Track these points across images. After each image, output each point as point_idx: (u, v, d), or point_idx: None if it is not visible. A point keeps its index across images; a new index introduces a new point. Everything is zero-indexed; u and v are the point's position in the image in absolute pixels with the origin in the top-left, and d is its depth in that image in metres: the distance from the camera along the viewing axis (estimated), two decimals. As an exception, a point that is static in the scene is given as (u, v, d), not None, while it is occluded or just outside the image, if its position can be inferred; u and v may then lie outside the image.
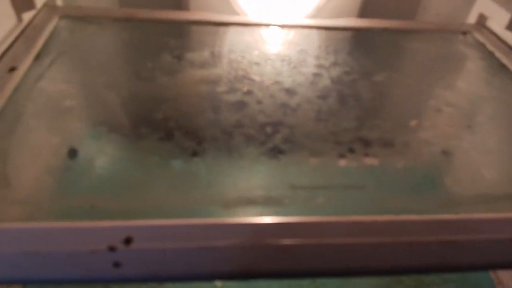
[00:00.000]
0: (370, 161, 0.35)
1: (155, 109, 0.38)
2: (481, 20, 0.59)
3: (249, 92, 0.41)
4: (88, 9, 0.54)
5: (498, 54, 0.52)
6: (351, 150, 0.35)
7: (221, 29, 0.52)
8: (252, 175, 0.32)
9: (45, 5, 0.51)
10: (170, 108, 0.38)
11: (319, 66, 0.47)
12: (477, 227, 0.28)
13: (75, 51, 0.46)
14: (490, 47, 0.54)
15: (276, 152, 0.35)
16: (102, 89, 0.40)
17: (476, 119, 0.41)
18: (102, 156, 0.33)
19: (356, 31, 0.56)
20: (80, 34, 0.49)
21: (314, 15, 0.60)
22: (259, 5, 0.59)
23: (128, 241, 0.26)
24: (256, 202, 0.30)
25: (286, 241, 0.27)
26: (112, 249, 0.25)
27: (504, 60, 0.51)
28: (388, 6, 0.63)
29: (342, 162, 0.34)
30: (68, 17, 0.52)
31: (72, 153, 0.33)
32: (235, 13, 0.59)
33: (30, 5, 0.47)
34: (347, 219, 0.28)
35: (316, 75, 0.45)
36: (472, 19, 0.61)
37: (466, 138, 0.39)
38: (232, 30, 0.53)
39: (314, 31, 0.55)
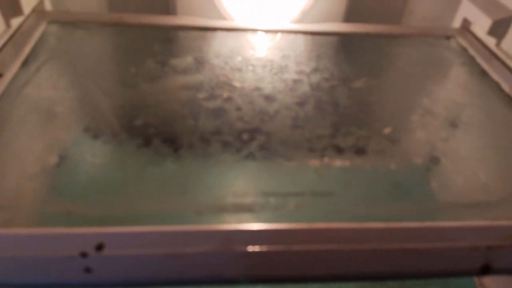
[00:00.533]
0: (342, 168, 0.36)
1: (136, 115, 0.39)
2: (465, 25, 0.60)
3: (229, 99, 0.42)
4: (76, 14, 0.55)
5: (479, 59, 0.53)
6: (324, 157, 0.36)
7: (206, 34, 0.53)
8: (225, 182, 0.33)
9: (33, 10, 0.52)
10: (150, 115, 0.39)
11: (300, 72, 0.48)
12: (440, 235, 0.29)
13: (62, 56, 0.47)
14: (472, 52, 0.55)
15: (251, 159, 0.36)
16: (86, 96, 0.41)
17: (449, 126, 0.42)
18: (83, 162, 0.34)
19: (340, 36, 0.57)
20: (68, 39, 0.50)
21: (299, 20, 0.61)
22: (246, 9, 0.60)
23: (99, 247, 0.27)
24: (228, 209, 0.31)
25: (254, 248, 0.28)
26: (84, 255, 0.26)
27: (485, 65, 0.52)
28: (374, 10, 0.63)
29: (315, 169, 0.35)
30: (56, 22, 0.53)
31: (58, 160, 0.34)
32: (222, 17, 0.60)
33: (18, 11, 0.48)
34: (315, 226, 0.29)
35: (296, 81, 0.46)
36: (457, 23, 0.61)
37: (439, 145, 0.39)
38: (217, 35, 0.54)
39: (298, 36, 0.55)
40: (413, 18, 0.64)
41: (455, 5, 0.61)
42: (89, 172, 0.34)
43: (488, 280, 0.58)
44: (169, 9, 0.60)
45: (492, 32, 0.54)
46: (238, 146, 0.37)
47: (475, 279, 0.58)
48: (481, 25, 0.56)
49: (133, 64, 0.47)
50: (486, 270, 0.28)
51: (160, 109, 0.40)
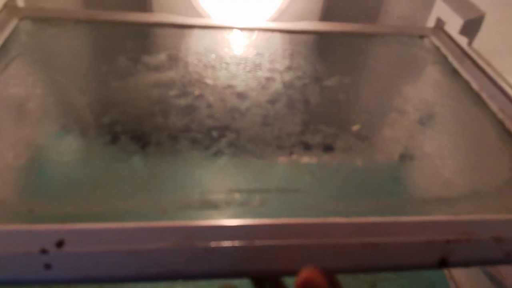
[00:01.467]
0: (309, 164, 0.36)
1: (104, 113, 0.39)
2: (439, 24, 0.61)
3: (200, 96, 0.42)
4: (50, 11, 0.54)
5: (451, 58, 0.54)
6: (293, 154, 0.37)
7: (181, 31, 0.53)
8: (193, 179, 0.34)
9: (5, 6, 0.51)
10: (119, 112, 0.39)
11: (274, 70, 0.48)
12: (400, 230, 0.30)
13: (33, 53, 0.47)
14: (444, 51, 0.56)
15: (219, 156, 0.36)
16: (54, 93, 0.41)
17: (418, 124, 0.42)
18: (48, 160, 0.34)
19: (316, 34, 0.57)
20: (40, 36, 0.50)
21: (276, 18, 0.61)
22: (223, 7, 0.60)
23: (60, 244, 0.27)
24: (192, 206, 0.31)
25: (217, 244, 0.28)
26: (44, 251, 0.26)
27: (456, 64, 0.53)
28: (350, 9, 0.64)
29: (282, 166, 0.36)
30: (29, 18, 0.52)
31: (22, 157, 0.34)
32: (198, 15, 0.60)
33: (-12, 7, 0.48)
34: (277, 222, 0.29)
35: (269, 79, 0.46)
36: (431, 23, 0.62)
37: (407, 142, 0.40)
38: (192, 32, 0.54)
39: (274, 35, 0.56)
40: (389, 18, 0.65)
41: (429, 5, 0.62)
42: (54, 169, 0.34)
43: (456, 270, 0.59)
44: (145, 6, 0.60)
45: (463, 31, 0.55)
46: (207, 144, 0.37)
47: (445, 270, 0.59)
48: (453, 24, 0.57)
49: (105, 61, 0.47)
50: (443, 263, 0.28)
51: (130, 107, 0.40)
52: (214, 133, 0.38)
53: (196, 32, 0.54)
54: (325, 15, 0.63)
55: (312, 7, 0.61)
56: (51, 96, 0.41)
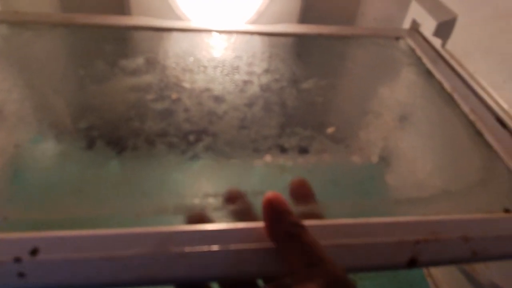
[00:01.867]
0: (284, 167, 0.36)
1: (80, 117, 0.39)
2: (414, 26, 0.62)
3: (177, 100, 0.43)
4: (26, 15, 0.54)
5: (425, 60, 0.55)
6: (268, 157, 0.37)
7: (159, 34, 0.53)
8: (168, 184, 0.34)
9: (-21, 10, 0.51)
10: (95, 117, 0.39)
11: (251, 73, 0.48)
12: (370, 231, 0.30)
13: (7, 58, 0.46)
14: (419, 53, 0.57)
15: (195, 160, 0.36)
16: (29, 98, 0.41)
17: (391, 126, 0.43)
18: (23, 166, 0.34)
19: (294, 36, 0.58)
20: (16, 40, 0.50)
21: (255, 20, 0.61)
22: (202, 9, 0.61)
23: (34, 252, 0.27)
24: (167, 210, 0.31)
25: (192, 249, 0.28)
26: (17, 260, 0.26)
27: (430, 66, 0.54)
28: (328, 10, 0.65)
29: (258, 169, 0.36)
30: (4, 22, 0.52)
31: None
32: (177, 18, 0.60)
33: (-38, 11, 0.47)
34: (250, 225, 0.30)
35: (246, 82, 0.47)
36: (407, 24, 0.64)
37: (380, 143, 0.41)
38: (170, 35, 0.54)
39: (253, 37, 0.56)
40: (366, 19, 0.66)
41: (405, 7, 0.64)
42: (29, 175, 0.33)
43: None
44: (123, 9, 0.60)
45: (437, 33, 0.57)
46: (183, 148, 0.37)
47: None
48: (427, 26, 0.58)
49: (82, 65, 0.47)
50: (413, 263, 0.29)
51: (107, 111, 0.40)
52: (191, 137, 0.38)
53: (174, 35, 0.55)
54: (303, 17, 0.63)
55: (290, 9, 0.62)
56: (26, 101, 0.41)
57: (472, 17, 0.54)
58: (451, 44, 0.56)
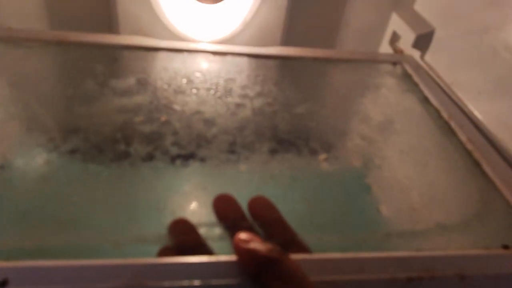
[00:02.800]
0: (274, 195, 0.35)
1: (65, 140, 0.38)
2: (395, 38, 0.65)
3: (166, 123, 0.42)
4: (17, 32, 0.53)
5: (422, 86, 0.54)
6: (257, 184, 0.36)
7: (152, 54, 0.53)
8: (150, 212, 0.32)
9: (-29, 26, 0.50)
10: (80, 139, 0.38)
11: (244, 96, 0.47)
12: (361, 266, 0.29)
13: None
14: (416, 79, 0.56)
15: (180, 186, 0.35)
16: (17, 117, 0.40)
17: (383, 154, 0.42)
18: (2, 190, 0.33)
19: (289, 60, 0.57)
20: (5, 57, 0.49)
21: (242, 30, 0.62)
22: (188, 21, 0.60)
23: (3, 283, 0.25)
24: (147, 240, 0.30)
25: (169, 283, 0.27)
26: (-16, 292, 0.25)
27: (427, 93, 0.53)
28: (312, 20, 0.67)
29: (246, 196, 0.35)
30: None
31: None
32: (163, 28, 0.59)
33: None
34: (233, 259, 0.28)
35: (239, 105, 0.46)
36: (387, 36, 0.66)
37: (373, 173, 0.40)
38: (163, 55, 0.53)
39: (247, 59, 0.55)
40: (349, 30, 0.69)
41: (386, 19, 0.66)
42: (5, 201, 0.32)
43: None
44: (111, 21, 0.59)
45: (416, 45, 0.59)
46: (169, 174, 0.36)
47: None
48: (407, 38, 0.60)
49: (72, 85, 0.46)
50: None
51: (93, 133, 0.39)
52: (178, 162, 0.37)
53: (167, 55, 0.54)
54: (288, 26, 0.64)
55: (275, 19, 0.62)
56: (11, 121, 0.40)
57: (448, 30, 0.55)
58: (429, 56, 0.58)
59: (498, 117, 0.44)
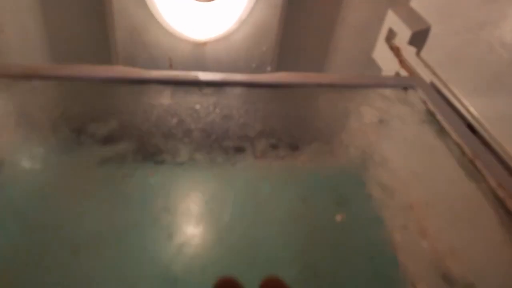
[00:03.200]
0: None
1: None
2: (391, 35, 0.63)
3: (155, 177, 0.36)
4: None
5: (439, 116, 0.49)
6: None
7: (146, 87, 0.47)
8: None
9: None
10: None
11: (243, 138, 0.42)
12: None
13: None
14: (431, 106, 0.51)
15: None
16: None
17: (407, 214, 0.37)
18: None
19: (292, 87, 0.52)
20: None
21: (237, 28, 0.59)
22: (183, 18, 0.57)
23: None
24: None
25: None
26: None
27: (445, 123, 0.48)
28: (309, 16, 0.65)
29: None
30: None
31: None
32: (159, 27, 0.56)
33: None
34: None
35: (238, 149, 0.40)
36: (384, 32, 0.65)
37: (393, 222, 0.35)
38: (155, 89, 0.47)
39: (246, 90, 0.50)
40: (346, 26, 0.68)
41: (382, 16, 0.65)
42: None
43: None
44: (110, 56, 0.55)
45: (412, 42, 0.58)
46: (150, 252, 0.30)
47: None
48: (402, 35, 0.59)
49: (49, 129, 0.40)
50: None
51: (68, 195, 0.34)
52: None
53: (159, 88, 0.48)
54: (285, 24, 0.61)
55: (271, 16, 0.58)
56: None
57: (444, 27, 0.54)
58: (426, 52, 0.57)
59: (493, 113, 0.44)
